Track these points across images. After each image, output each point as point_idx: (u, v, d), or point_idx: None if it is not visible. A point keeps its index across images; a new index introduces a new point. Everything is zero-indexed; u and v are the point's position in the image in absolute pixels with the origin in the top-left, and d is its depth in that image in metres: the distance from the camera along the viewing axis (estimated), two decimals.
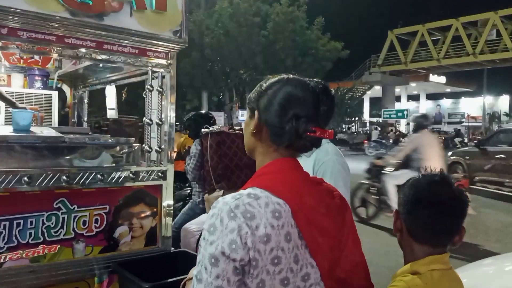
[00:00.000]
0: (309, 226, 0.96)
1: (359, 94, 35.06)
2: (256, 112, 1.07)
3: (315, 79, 1.11)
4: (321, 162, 1.80)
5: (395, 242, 1.33)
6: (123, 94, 3.16)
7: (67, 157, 2.44)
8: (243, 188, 0.99)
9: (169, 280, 2.06)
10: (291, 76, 1.09)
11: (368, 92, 37.17)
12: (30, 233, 2.19)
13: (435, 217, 1.17)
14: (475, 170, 9.17)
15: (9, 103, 3.07)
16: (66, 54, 2.37)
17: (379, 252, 4.94)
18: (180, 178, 4.24)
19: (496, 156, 8.54)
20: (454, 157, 10.14)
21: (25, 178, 2.16)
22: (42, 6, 2.10)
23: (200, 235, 1.90)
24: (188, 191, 4.15)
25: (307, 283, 0.96)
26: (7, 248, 2.13)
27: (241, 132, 3.32)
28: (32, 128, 2.61)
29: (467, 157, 9.60)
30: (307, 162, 1.35)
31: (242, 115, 21.19)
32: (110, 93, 3.41)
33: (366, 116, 39.29)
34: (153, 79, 2.65)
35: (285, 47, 21.41)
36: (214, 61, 21.55)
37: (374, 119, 36.82)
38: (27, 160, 2.31)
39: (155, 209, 2.63)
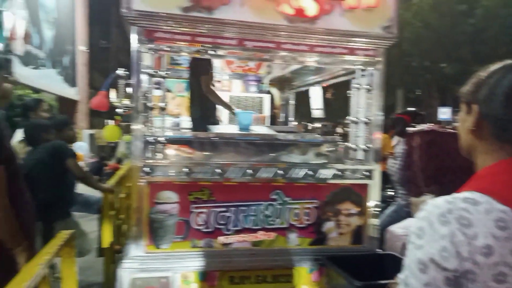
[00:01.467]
0: None
1: None
2: (474, 106, 0.94)
3: None
4: None
5: None
6: (328, 95, 3.25)
7: (281, 153, 2.66)
8: (458, 192, 0.87)
9: (381, 282, 2.01)
10: None
11: None
12: (252, 220, 2.47)
13: None
14: None
15: (227, 107, 3.55)
16: (282, 60, 2.57)
17: None
18: (382, 179, 4.11)
19: None
20: None
21: (249, 171, 2.44)
22: (265, 17, 2.34)
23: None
24: (391, 192, 3.99)
25: None
26: (234, 231, 2.46)
27: (454, 130, 3.00)
28: (252, 127, 2.95)
29: None
30: None
31: (444, 113, 19.24)
32: (315, 94, 3.56)
33: None
34: (361, 77, 2.64)
35: (497, 34, 18.49)
36: (412, 56, 20.24)
37: None
38: (249, 155, 2.62)
39: (361, 208, 2.62)
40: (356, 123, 2.71)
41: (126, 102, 2.52)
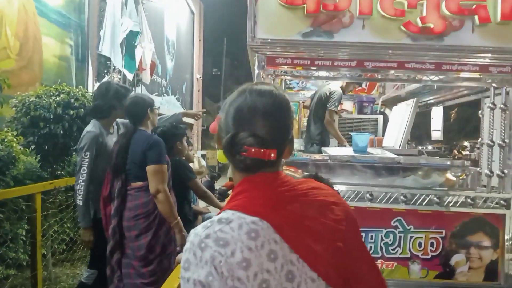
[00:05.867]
0: (300, 236, 0.84)
1: None
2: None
3: None
4: None
5: None
6: (452, 115, 3.02)
7: (402, 178, 2.52)
8: (217, 214, 0.89)
9: None
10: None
11: None
12: (370, 247, 2.36)
13: None
14: None
15: (340, 141, 3.54)
16: (404, 79, 2.48)
17: None
18: None
19: None
20: None
21: (367, 195, 2.36)
22: (385, 36, 2.28)
23: None
24: None
25: None
26: None
27: None
28: (369, 150, 2.86)
29: None
30: None
31: None
32: (437, 114, 3.34)
33: None
34: (495, 95, 2.41)
35: None
36: None
37: None
38: (367, 179, 2.54)
39: (496, 241, 2.35)
40: (491, 146, 2.47)
41: None
